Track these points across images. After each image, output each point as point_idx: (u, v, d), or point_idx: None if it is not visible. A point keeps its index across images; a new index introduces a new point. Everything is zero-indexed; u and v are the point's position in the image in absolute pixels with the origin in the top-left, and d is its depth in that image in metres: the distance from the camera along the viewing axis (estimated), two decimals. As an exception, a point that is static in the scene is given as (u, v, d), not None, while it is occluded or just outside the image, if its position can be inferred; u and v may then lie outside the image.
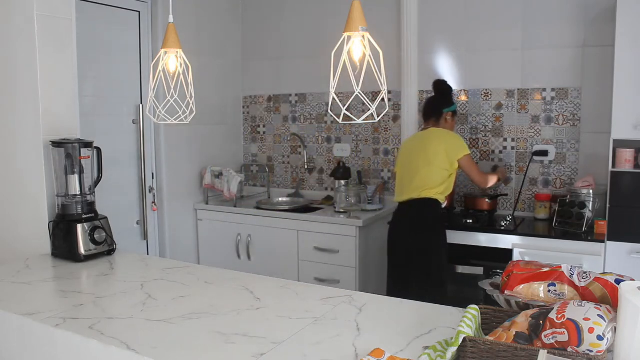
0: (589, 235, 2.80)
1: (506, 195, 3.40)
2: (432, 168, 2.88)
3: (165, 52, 2.02)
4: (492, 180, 3.07)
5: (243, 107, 4.34)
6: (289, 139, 4.17)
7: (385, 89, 1.41)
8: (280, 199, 4.06)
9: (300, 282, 1.91)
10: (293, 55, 4.07)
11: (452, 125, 3.12)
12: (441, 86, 3.21)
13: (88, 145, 2.30)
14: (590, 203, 2.88)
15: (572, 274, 1.34)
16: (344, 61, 1.39)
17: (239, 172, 3.92)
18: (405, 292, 2.60)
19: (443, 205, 2.94)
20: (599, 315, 1.12)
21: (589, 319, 1.10)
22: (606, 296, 1.26)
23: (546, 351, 1.08)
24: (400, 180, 3.03)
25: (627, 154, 2.72)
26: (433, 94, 3.25)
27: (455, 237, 3.06)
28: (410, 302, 1.71)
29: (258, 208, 3.73)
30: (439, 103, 3.12)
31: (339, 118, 1.59)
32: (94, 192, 2.33)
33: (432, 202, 2.87)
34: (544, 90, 3.27)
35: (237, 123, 4.32)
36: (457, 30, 3.48)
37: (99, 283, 1.97)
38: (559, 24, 3.19)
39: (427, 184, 2.87)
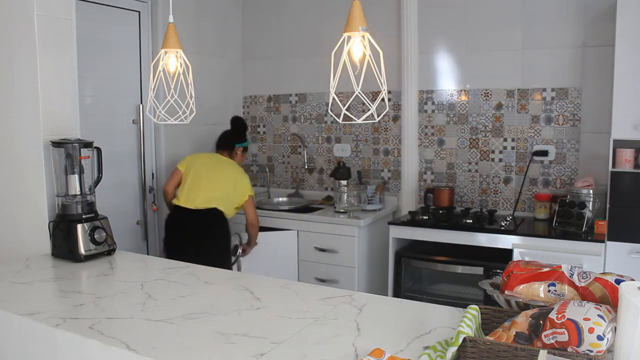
0: (589, 235, 2.80)
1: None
2: (224, 190, 3.16)
3: (165, 52, 2.02)
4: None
5: (243, 107, 4.34)
6: (289, 139, 4.17)
7: (385, 89, 1.41)
8: (280, 199, 4.06)
9: (300, 282, 1.91)
10: (293, 55, 4.07)
11: (240, 159, 3.42)
12: (237, 123, 3.49)
13: (88, 145, 2.30)
14: (590, 203, 2.88)
15: (572, 274, 1.34)
16: (344, 61, 1.39)
17: (239, 172, 3.92)
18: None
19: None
20: (599, 315, 1.12)
21: (589, 319, 1.10)
22: (606, 296, 1.26)
23: (546, 351, 1.08)
24: (189, 187, 3.14)
25: (627, 154, 2.72)
26: (229, 129, 3.48)
27: (455, 237, 3.06)
28: (410, 302, 1.71)
29: (258, 208, 3.72)
30: (232, 138, 3.41)
31: (339, 118, 1.59)
32: (94, 192, 2.33)
33: (219, 212, 3.12)
34: (544, 90, 3.27)
35: (237, 123, 4.31)
36: (457, 30, 3.48)
37: (99, 283, 1.97)
38: (559, 24, 3.19)
39: (215, 197, 3.10)
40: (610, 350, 1.11)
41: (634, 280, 1.20)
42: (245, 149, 3.45)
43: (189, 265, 2.11)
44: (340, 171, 3.66)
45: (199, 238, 3.06)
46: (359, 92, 1.41)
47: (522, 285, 1.38)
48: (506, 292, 1.39)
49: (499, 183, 3.44)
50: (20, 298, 1.73)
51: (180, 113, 2.10)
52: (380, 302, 1.69)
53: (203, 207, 3.07)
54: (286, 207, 3.78)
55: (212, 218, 3.10)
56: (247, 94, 4.31)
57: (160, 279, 1.93)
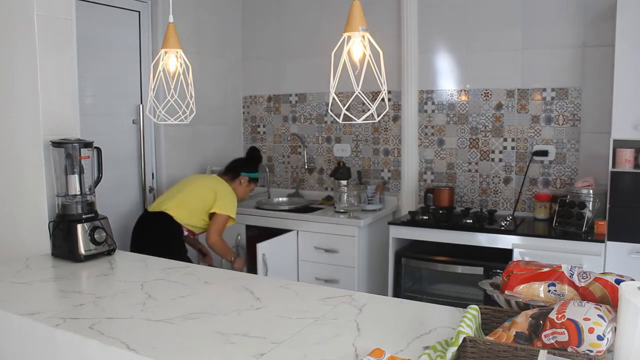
0: (589, 235, 2.80)
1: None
2: (195, 196, 3.11)
3: (165, 52, 2.03)
4: (223, 248, 3.15)
5: (243, 107, 4.34)
6: (289, 139, 4.17)
7: (385, 89, 1.41)
8: (280, 199, 4.06)
9: (300, 282, 1.91)
10: (293, 55, 4.07)
11: (244, 189, 3.38)
12: (251, 152, 3.57)
13: (88, 145, 2.30)
14: (590, 203, 2.88)
15: (572, 274, 1.34)
16: (344, 61, 1.39)
17: (239, 172, 3.92)
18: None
19: (185, 233, 3.10)
20: (599, 315, 1.12)
21: (589, 319, 1.10)
22: (606, 296, 1.26)
23: (546, 351, 1.08)
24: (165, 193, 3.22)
25: (627, 154, 2.72)
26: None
27: (455, 237, 3.06)
28: (410, 302, 1.71)
29: (258, 208, 3.73)
30: (240, 165, 3.43)
31: (339, 118, 1.60)
32: (94, 192, 2.33)
33: (165, 215, 3.01)
34: (544, 90, 3.27)
35: (237, 123, 4.31)
36: (457, 30, 3.48)
37: (99, 283, 1.97)
38: (559, 24, 3.19)
39: (170, 201, 3.06)
40: (610, 350, 1.11)
41: (634, 280, 1.20)
42: (251, 180, 3.40)
43: (188, 265, 2.11)
44: (340, 171, 3.66)
45: (146, 237, 3.05)
46: (359, 92, 1.41)
47: (522, 285, 1.38)
48: (506, 292, 1.39)
49: (499, 183, 3.44)
50: (20, 298, 1.73)
51: (180, 113, 2.10)
52: (380, 302, 1.69)
53: (153, 210, 3.07)
54: (286, 207, 3.78)
55: (157, 220, 3.04)
56: (247, 94, 4.31)
57: (160, 279, 1.93)
